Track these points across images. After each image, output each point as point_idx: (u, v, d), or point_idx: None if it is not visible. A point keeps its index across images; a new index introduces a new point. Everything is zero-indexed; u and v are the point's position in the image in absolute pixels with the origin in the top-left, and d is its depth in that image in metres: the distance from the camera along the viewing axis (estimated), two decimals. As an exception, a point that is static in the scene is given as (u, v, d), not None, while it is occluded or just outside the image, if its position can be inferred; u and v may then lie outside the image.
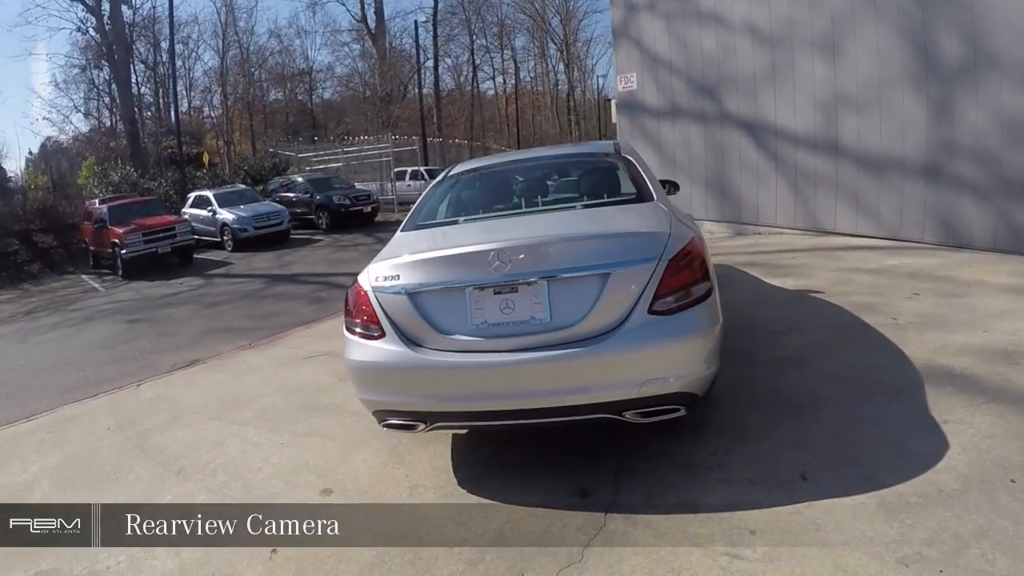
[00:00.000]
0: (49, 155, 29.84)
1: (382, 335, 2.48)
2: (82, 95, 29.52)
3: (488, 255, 2.33)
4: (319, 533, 2.42)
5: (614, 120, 9.36)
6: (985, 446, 2.32)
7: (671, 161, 8.06)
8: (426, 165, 22.14)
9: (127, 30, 25.36)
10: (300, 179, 17.71)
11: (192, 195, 16.28)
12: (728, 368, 3.25)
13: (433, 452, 2.92)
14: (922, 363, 3.09)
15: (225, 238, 14.28)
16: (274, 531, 2.46)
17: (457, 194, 3.33)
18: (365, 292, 2.55)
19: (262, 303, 8.35)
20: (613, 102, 9.73)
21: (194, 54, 34.38)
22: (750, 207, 7.42)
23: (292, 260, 12.14)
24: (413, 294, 2.44)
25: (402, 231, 3.11)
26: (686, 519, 2.15)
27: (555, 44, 40.98)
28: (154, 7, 27.65)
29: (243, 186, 17.57)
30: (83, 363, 6.19)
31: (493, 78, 42.55)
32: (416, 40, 25.49)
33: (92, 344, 7.14)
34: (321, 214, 15.89)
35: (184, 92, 35.01)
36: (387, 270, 2.53)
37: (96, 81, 29.12)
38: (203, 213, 14.89)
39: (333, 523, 2.42)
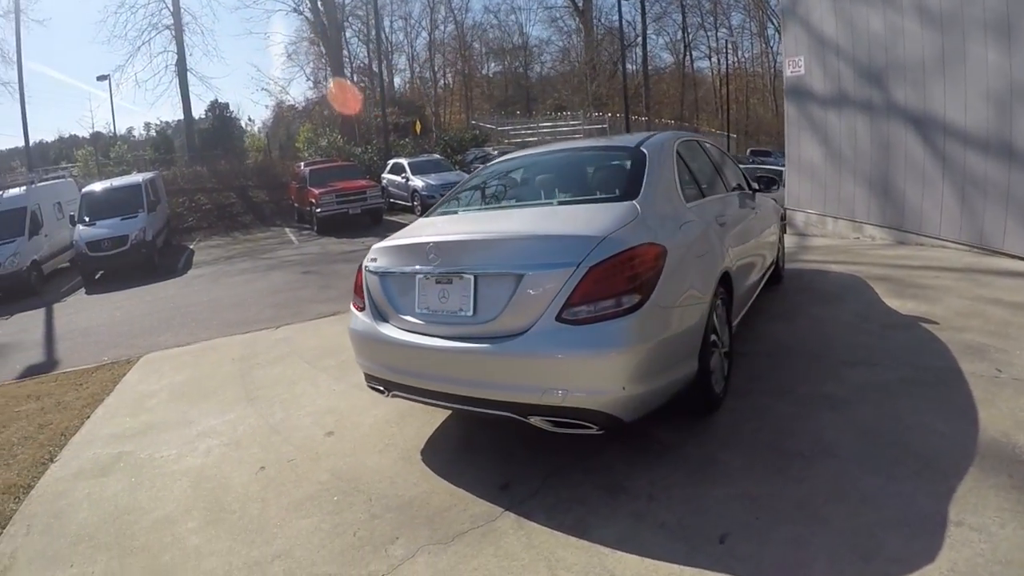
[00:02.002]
0: (280, 120, 35.03)
1: (363, 308, 2.84)
2: (311, 67, 33.55)
3: (427, 247, 2.49)
4: (294, 460, 2.93)
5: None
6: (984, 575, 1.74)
7: (836, 155, 7.01)
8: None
9: (338, 11, 28.31)
10: (494, 152, 18.81)
11: (391, 162, 18.11)
12: (755, 394, 3.02)
13: (426, 420, 3.19)
14: (991, 436, 2.40)
15: (415, 203, 15.56)
16: (270, 453, 3.04)
17: (480, 184, 3.46)
18: (360, 269, 2.91)
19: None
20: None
21: (416, 28, 38.13)
22: (913, 214, 6.11)
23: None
24: (383, 275, 2.73)
25: (424, 216, 3.38)
26: (564, 541, 2.10)
27: (774, 24, 36.65)
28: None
29: (438, 156, 19.20)
30: (251, 304, 7.37)
31: (709, 57, 39.73)
32: (619, 15, 25.03)
33: (265, 289, 8.47)
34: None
35: (407, 64, 39.55)
36: (374, 252, 2.85)
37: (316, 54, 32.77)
38: (398, 179, 16.75)
39: (312, 456, 2.93)
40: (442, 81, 39.47)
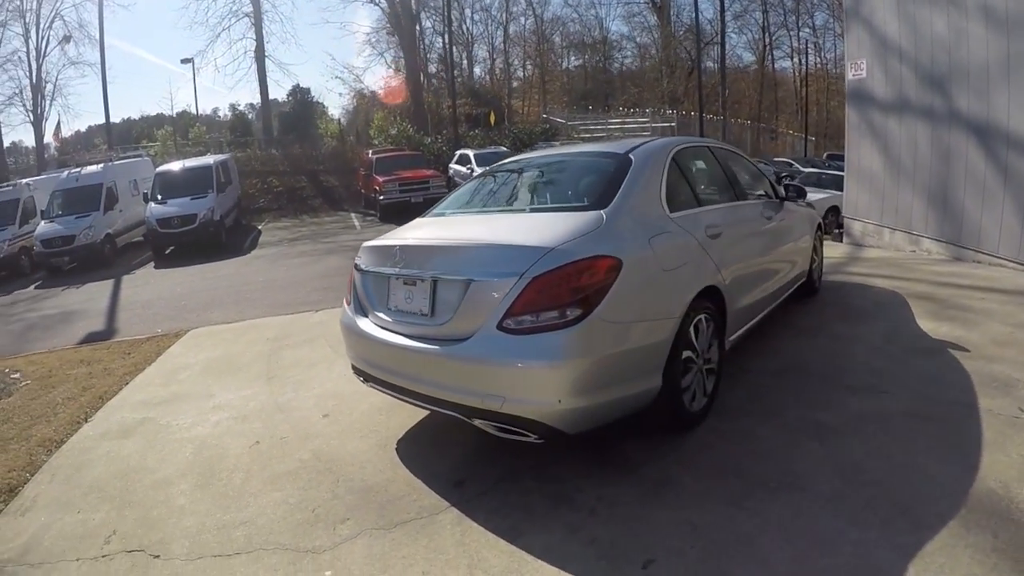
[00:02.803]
0: (360, 108, 35.95)
1: (349, 302, 3.00)
2: (391, 55, 34.08)
3: (396, 250, 2.60)
4: (286, 438, 3.16)
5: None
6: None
7: (895, 163, 6.57)
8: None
9: (413, 1, 28.75)
10: (558, 146, 18.88)
11: (458, 152, 18.49)
12: (742, 416, 2.90)
13: (411, 413, 3.27)
14: (988, 486, 2.17)
15: (479, 194, 16.14)
16: (268, 429, 3.29)
17: (475, 187, 3.50)
18: (353, 266, 3.07)
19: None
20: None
21: (497, 19, 38.35)
22: (972, 229, 5.57)
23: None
24: (364, 273, 2.88)
25: (420, 216, 3.50)
26: (493, 543, 2.14)
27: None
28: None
29: (505, 149, 19.46)
30: (301, 287, 7.80)
31: (791, 57, 37.54)
32: (696, 11, 24.01)
33: (318, 273, 8.92)
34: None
35: (488, 55, 39.93)
36: (361, 250, 3.00)
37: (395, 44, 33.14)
38: (463, 169, 17.08)
39: (303, 436, 3.16)
40: (520, 73, 39.68)
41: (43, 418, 3.74)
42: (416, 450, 2.92)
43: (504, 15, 37.08)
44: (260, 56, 28.34)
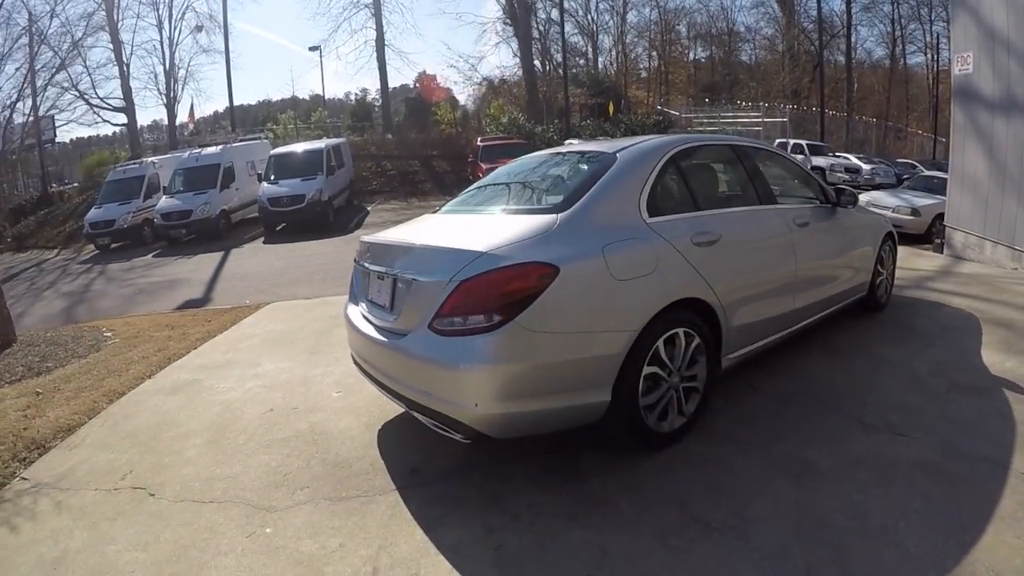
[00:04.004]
0: (483, 96, 36.98)
1: (348, 292, 3.24)
2: (513, 44, 34.74)
3: (372, 247, 2.79)
4: (296, 409, 3.49)
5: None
6: None
7: (1000, 169, 5.72)
8: (815, 140, 19.74)
9: None
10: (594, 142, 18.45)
11: (566, 143, 18.74)
12: (723, 442, 2.70)
13: None
14: (971, 573, 1.83)
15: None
16: (286, 399, 3.65)
17: (482, 184, 3.54)
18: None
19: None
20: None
21: (622, 8, 37.42)
22: None
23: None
24: (356, 264, 3.10)
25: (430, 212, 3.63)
26: (410, 531, 2.24)
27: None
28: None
29: (574, 141, 19.24)
30: None
31: (924, 52, 32.80)
32: (818, 6, 21.73)
33: None
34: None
35: (612, 44, 39.22)
36: (359, 243, 3.21)
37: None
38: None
39: (310, 409, 3.47)
40: (645, 63, 38.58)
41: (116, 372, 4.45)
42: (394, 434, 3.09)
43: (622, 3, 36.18)
44: (380, 45, 29.89)
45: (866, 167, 17.45)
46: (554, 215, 2.49)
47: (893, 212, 9.24)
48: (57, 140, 29.76)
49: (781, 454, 2.57)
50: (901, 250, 5.25)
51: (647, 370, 2.48)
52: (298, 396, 3.71)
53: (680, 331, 2.59)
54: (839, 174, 16.79)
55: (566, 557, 2.04)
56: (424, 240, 2.66)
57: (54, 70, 25.90)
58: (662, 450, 2.63)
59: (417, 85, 32.34)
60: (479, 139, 18.33)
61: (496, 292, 2.18)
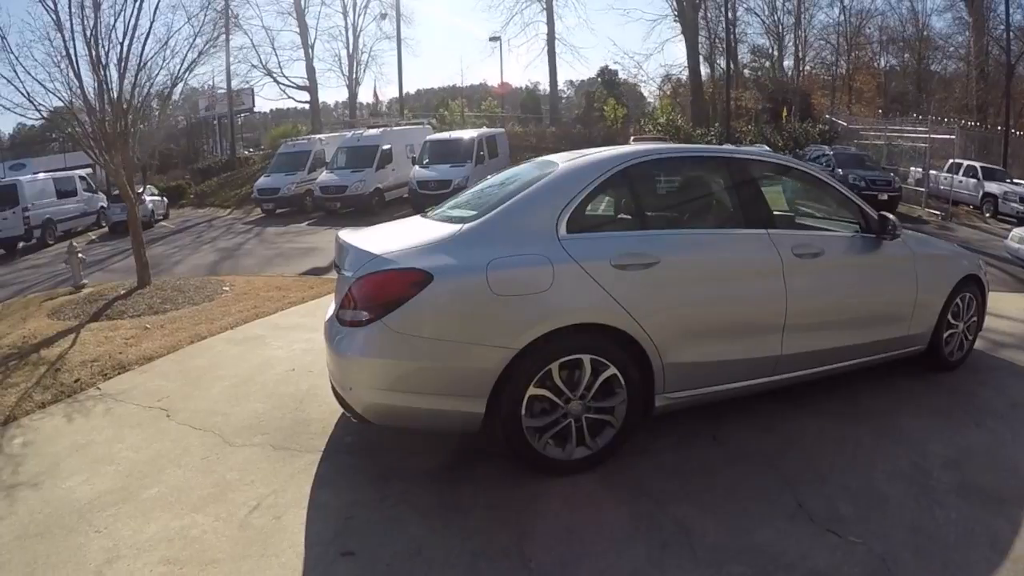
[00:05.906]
0: (678, 94, 35.62)
1: None
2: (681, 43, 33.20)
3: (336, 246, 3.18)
4: (312, 372, 4.05)
5: None
6: None
7: None
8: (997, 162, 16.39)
9: None
10: (830, 151, 17.06)
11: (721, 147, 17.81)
12: (615, 485, 2.54)
13: None
14: None
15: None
16: (312, 363, 4.25)
17: (469, 191, 3.60)
18: None
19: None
20: None
21: (810, 9, 33.93)
22: None
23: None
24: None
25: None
26: (302, 484, 2.64)
27: None
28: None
29: (767, 148, 17.83)
30: None
31: None
32: (1007, 5, 17.23)
33: None
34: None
35: (796, 46, 35.82)
36: None
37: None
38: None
39: (322, 373, 4.00)
40: (830, 68, 34.57)
41: (210, 321, 5.46)
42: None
43: (796, 6, 32.77)
44: (551, 39, 30.73)
45: None
46: (460, 225, 2.65)
47: None
48: (256, 110, 35.47)
49: (673, 515, 2.37)
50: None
51: (534, 391, 2.48)
52: (321, 361, 4.29)
53: (585, 358, 2.52)
54: (1013, 204, 13.88)
55: (390, 542, 2.24)
56: (355, 241, 2.90)
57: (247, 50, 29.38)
58: (562, 478, 2.59)
59: (599, 79, 32.75)
60: (631, 137, 18.37)
61: (374, 292, 2.45)
